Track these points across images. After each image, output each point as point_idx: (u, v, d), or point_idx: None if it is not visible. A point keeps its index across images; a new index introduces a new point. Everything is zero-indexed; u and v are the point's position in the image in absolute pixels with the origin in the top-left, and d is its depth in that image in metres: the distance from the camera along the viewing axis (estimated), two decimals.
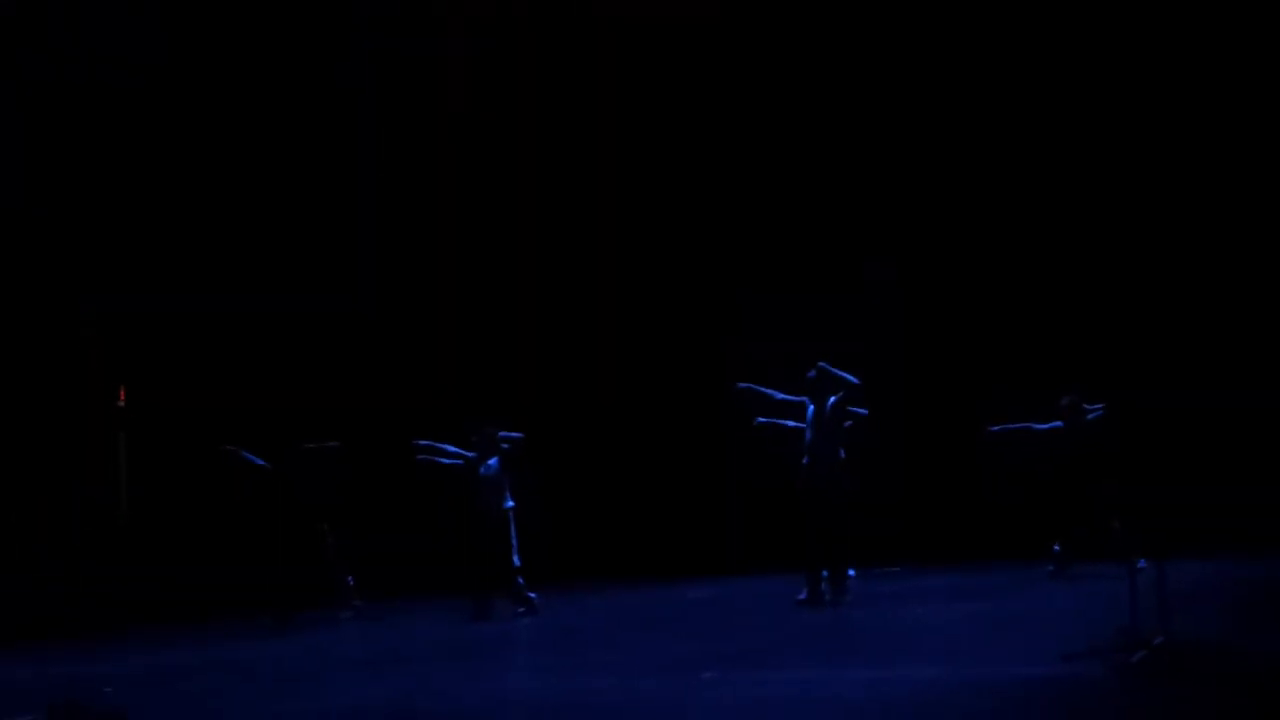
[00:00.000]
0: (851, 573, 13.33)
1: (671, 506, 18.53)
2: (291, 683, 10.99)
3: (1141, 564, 10.79)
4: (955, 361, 17.81)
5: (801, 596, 13.21)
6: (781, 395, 13.58)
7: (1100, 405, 14.35)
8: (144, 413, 18.60)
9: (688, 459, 18.64)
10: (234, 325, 18.94)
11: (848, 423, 13.30)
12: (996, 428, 14.59)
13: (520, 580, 14.09)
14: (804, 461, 13.25)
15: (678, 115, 18.86)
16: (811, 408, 13.24)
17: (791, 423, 13.51)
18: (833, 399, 13.18)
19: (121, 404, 18.73)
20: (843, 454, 13.20)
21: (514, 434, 14.42)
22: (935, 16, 17.95)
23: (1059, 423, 14.34)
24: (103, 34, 18.62)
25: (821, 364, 13.19)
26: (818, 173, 18.39)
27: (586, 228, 19.14)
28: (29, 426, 18.46)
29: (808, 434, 13.25)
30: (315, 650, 13.12)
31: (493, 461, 14.23)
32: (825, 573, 13.11)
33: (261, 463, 15.45)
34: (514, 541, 14.13)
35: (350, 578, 15.24)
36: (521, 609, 14.07)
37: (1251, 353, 16.60)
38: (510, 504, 14.18)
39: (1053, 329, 17.15)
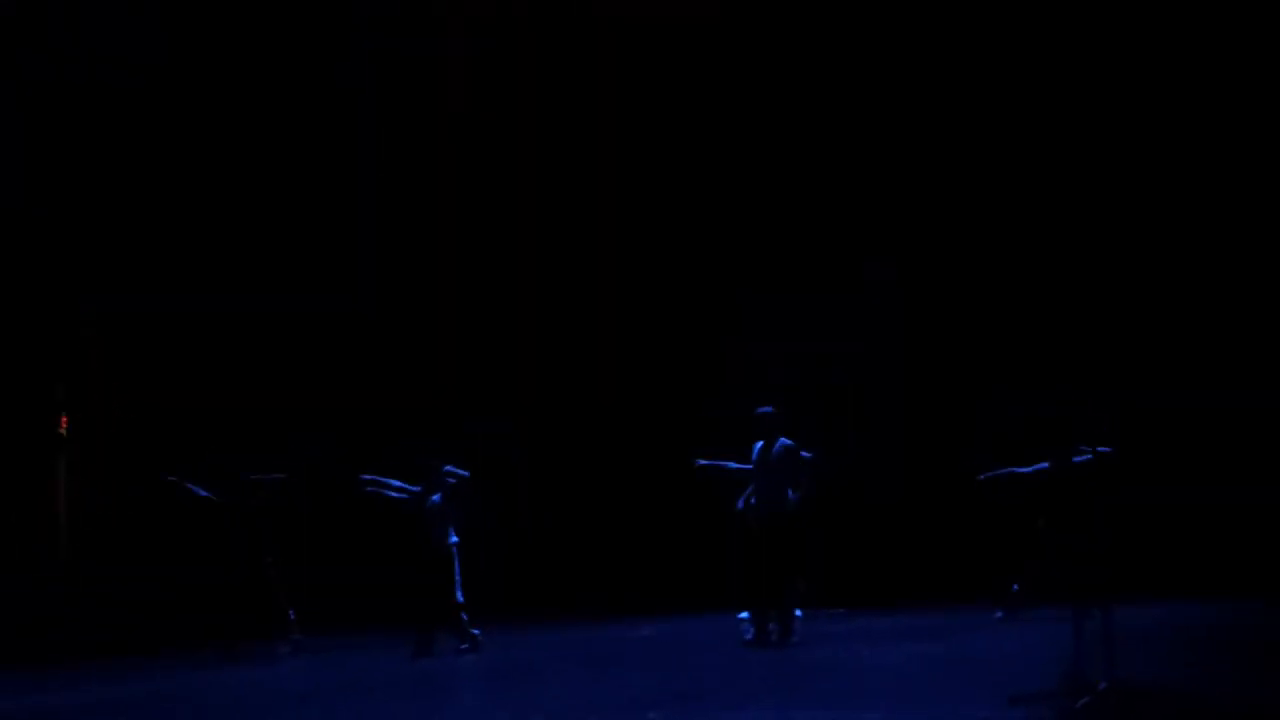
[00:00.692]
0: (799, 614, 13.26)
1: (622, 541, 18.47)
2: (236, 715, 10.81)
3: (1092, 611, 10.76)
4: (956, 361, 17.75)
5: (748, 636, 13.14)
6: (737, 465, 13.56)
7: (1090, 452, 14.23)
8: (138, 413, 18.46)
9: (640, 494, 18.59)
10: (231, 325, 18.83)
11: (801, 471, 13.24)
12: (985, 475, 14.49)
13: (464, 616, 13.93)
14: (751, 501, 13.19)
15: (677, 115, 18.87)
16: (759, 445, 13.18)
17: (733, 464, 13.48)
18: (783, 442, 13.12)
19: (63, 431, 18.55)
20: (792, 495, 13.13)
21: (460, 471, 14.29)
22: (934, 17, 17.98)
23: (1044, 464, 14.26)
24: (103, 34, 18.64)
25: (785, 442, 13.13)
26: (818, 173, 18.45)
27: (586, 228, 19.09)
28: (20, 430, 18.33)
29: (755, 473, 13.18)
30: (254, 684, 12.90)
31: (436, 496, 14.12)
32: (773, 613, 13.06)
33: (206, 494, 15.24)
34: (457, 577, 13.99)
35: (291, 611, 15.03)
36: (464, 645, 13.90)
37: (1253, 355, 16.72)
38: (454, 539, 14.05)
39: (1053, 328, 17.15)
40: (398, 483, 14.37)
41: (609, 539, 18.61)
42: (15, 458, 18.51)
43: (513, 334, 19.25)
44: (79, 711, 11.74)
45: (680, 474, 17.69)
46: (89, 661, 15.40)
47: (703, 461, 13.80)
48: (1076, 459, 14.16)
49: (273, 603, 15.01)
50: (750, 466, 13.35)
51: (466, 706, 10.59)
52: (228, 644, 14.70)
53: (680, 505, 17.91)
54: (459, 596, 13.94)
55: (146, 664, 15.01)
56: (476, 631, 13.96)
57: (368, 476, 14.47)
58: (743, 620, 13.50)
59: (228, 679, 13.29)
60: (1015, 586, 14.06)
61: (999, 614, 14.01)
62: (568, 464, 18.27)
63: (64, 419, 18.79)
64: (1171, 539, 16.00)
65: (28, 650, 16.08)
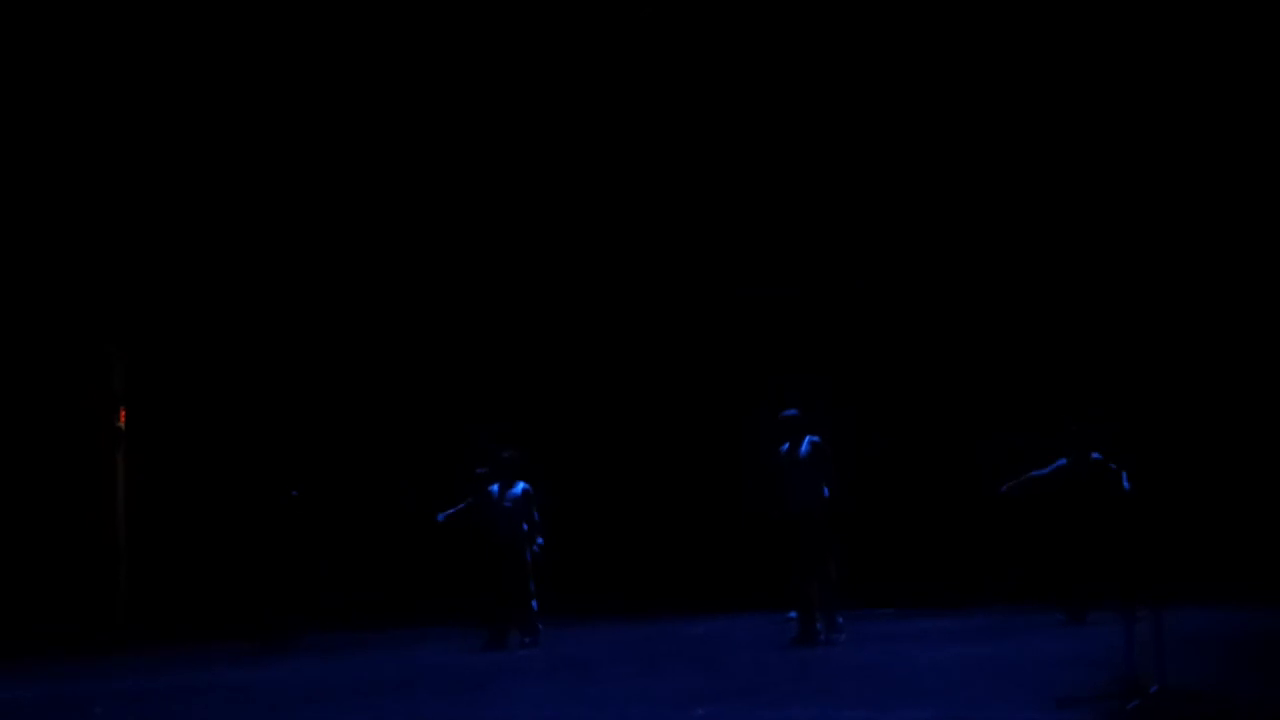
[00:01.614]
0: (840, 620, 13.28)
1: (678, 541, 18.53)
2: (287, 707, 10.94)
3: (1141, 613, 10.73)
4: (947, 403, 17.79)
5: (793, 635, 13.18)
6: (1039, 473, 14.02)
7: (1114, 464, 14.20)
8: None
9: (694, 495, 18.63)
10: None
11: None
12: (1005, 486, 14.46)
13: (534, 606, 14.11)
14: (790, 500, 13.24)
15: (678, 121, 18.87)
16: (785, 446, 13.23)
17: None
18: (810, 439, 13.16)
19: (121, 425, 18.79)
20: (826, 492, 13.17)
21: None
22: (931, 20, 17.94)
23: (1062, 460, 14.23)
24: None
25: (812, 439, 13.19)
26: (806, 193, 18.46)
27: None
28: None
29: (786, 473, 13.23)
30: (314, 676, 13.06)
31: (515, 490, 14.20)
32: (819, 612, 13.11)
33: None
34: (529, 569, 14.14)
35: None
36: (528, 639, 14.06)
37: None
38: (525, 528, 14.18)
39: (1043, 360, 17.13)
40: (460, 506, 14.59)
41: (652, 538, 18.67)
42: (74, 451, 18.76)
43: (532, 336, 19.30)
44: (189, 692, 11.95)
45: (725, 474, 17.96)
46: (134, 653, 15.63)
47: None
48: (1094, 455, 14.19)
49: (320, 597, 15.25)
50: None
51: (517, 699, 10.66)
52: (272, 637, 14.92)
53: (727, 506, 17.97)
54: (531, 587, 14.12)
55: (192, 654, 15.22)
56: (540, 626, 14.15)
57: (442, 516, 14.62)
58: (790, 619, 13.54)
59: (288, 671, 13.45)
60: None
61: (1061, 616, 13.99)
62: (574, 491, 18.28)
63: (123, 412, 19.02)
64: (1224, 543, 15.91)
65: (78, 641, 16.40)
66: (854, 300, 18.13)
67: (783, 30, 17.96)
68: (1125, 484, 13.95)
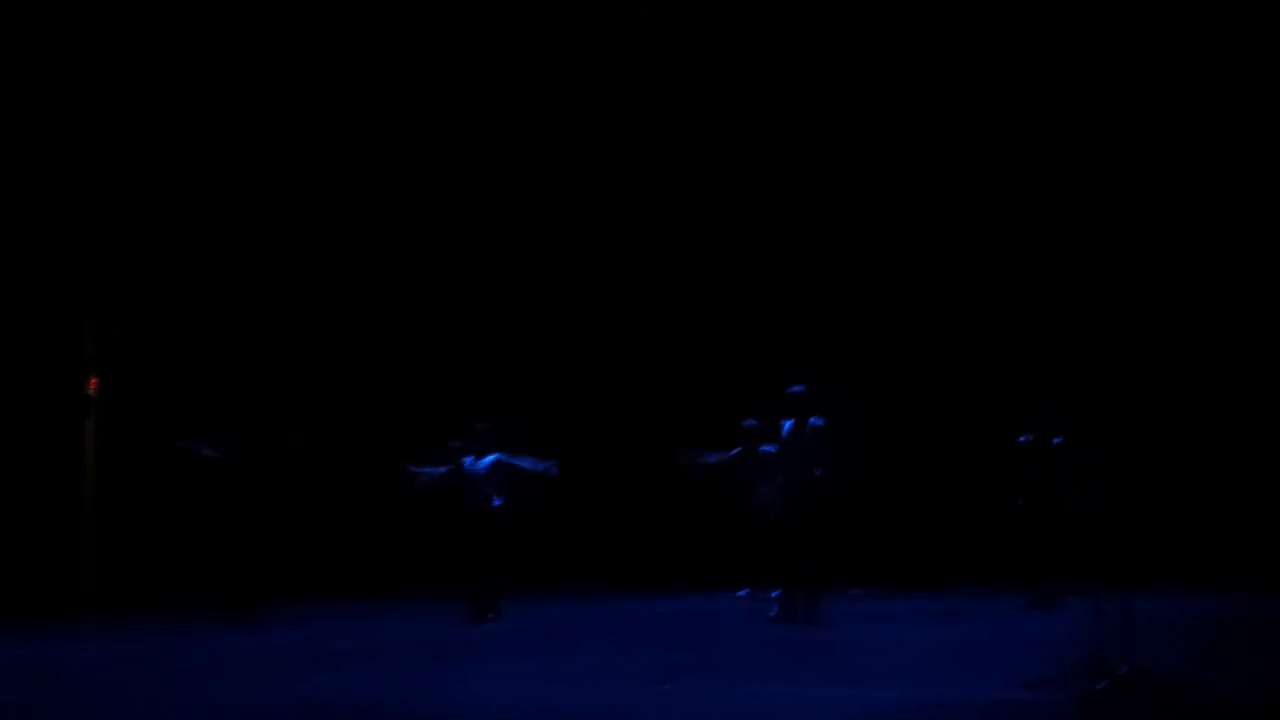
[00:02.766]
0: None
1: (652, 519, 18.55)
2: (254, 674, 10.94)
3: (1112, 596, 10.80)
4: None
5: (772, 614, 13.22)
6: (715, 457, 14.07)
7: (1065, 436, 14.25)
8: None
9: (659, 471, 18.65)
10: None
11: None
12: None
13: (499, 581, 14.12)
14: (778, 480, 13.25)
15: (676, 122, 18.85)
16: (789, 424, 13.22)
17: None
18: (814, 421, 13.16)
19: (92, 393, 18.71)
20: (818, 472, 13.20)
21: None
22: (930, 20, 17.95)
23: (1025, 437, 14.31)
24: None
25: (816, 421, 13.19)
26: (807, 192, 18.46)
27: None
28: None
29: (785, 452, 13.23)
30: (283, 643, 13.04)
31: (486, 460, 14.18)
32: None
33: (212, 454, 15.40)
34: (502, 541, 14.15)
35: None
36: (491, 614, 14.06)
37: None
38: (498, 503, 14.16)
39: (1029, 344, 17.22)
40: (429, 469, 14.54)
41: (632, 516, 18.67)
42: (43, 419, 18.65)
43: (520, 330, 19.27)
44: (80, 664, 11.92)
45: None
46: (103, 620, 15.61)
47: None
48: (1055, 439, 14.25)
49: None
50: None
51: (489, 674, 10.67)
52: (242, 604, 14.92)
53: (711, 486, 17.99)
54: (498, 560, 14.12)
55: (152, 620, 15.20)
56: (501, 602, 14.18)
57: (416, 470, 14.56)
58: (770, 598, 13.57)
59: (257, 638, 13.44)
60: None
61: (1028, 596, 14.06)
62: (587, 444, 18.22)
63: (94, 380, 18.92)
64: (1193, 530, 16.02)
65: (46, 607, 16.36)
66: (854, 300, 18.15)
67: (782, 30, 17.95)
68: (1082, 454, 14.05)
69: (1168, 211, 17.11)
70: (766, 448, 13.96)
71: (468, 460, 14.30)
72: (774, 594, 13.62)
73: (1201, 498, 16.41)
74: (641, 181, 18.94)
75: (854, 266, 18.27)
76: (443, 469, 14.49)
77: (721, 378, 18.19)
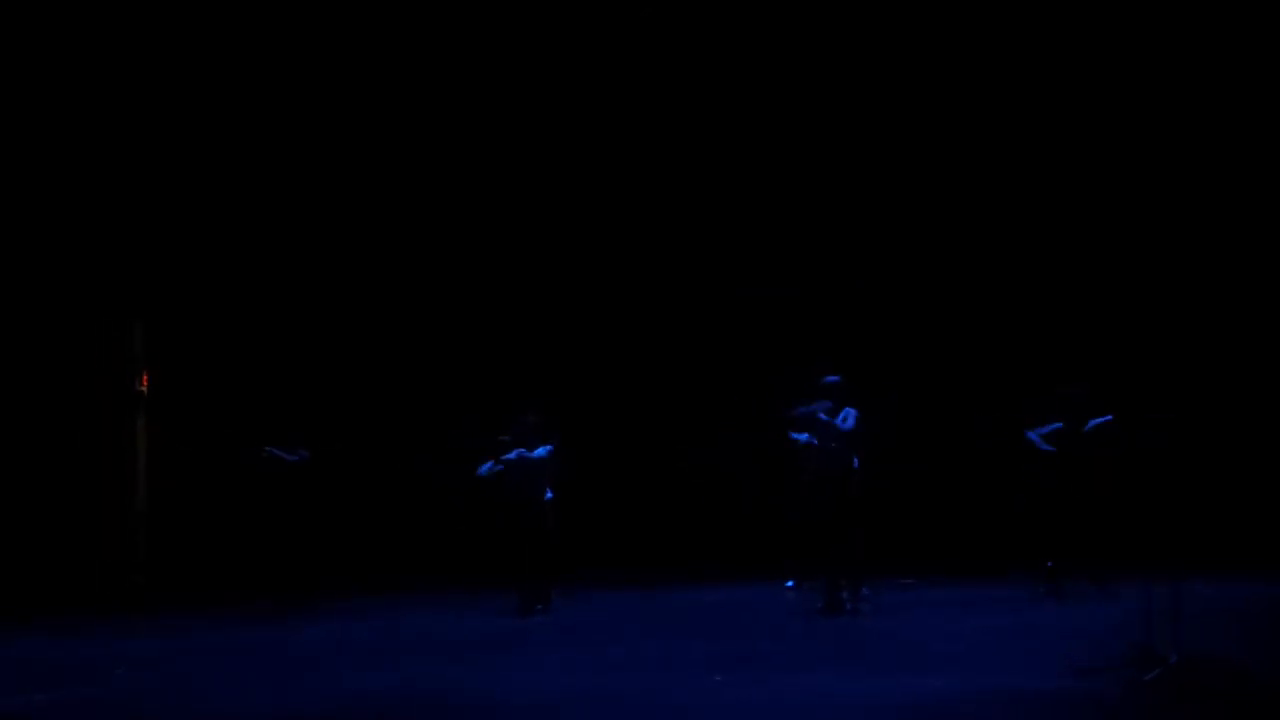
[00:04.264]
0: (866, 591, 13.31)
1: (694, 508, 18.59)
2: (304, 666, 11.03)
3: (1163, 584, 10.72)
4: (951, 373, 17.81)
5: (819, 605, 13.22)
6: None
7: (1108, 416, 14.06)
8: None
9: (712, 461, 18.67)
10: None
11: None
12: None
13: (551, 573, 14.21)
14: (820, 470, 13.24)
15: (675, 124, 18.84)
16: (826, 416, 13.22)
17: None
18: (849, 410, 13.15)
19: (143, 389, 18.87)
20: (857, 463, 13.19)
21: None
22: (930, 20, 17.86)
23: (1058, 424, 14.16)
24: None
25: (851, 411, 13.18)
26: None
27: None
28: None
29: (824, 443, 13.21)
30: (332, 637, 13.15)
31: (541, 451, 14.26)
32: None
33: (294, 458, 15.71)
34: (553, 533, 14.24)
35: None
36: (540, 605, 14.14)
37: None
38: (550, 495, 14.26)
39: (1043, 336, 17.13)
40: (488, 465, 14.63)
41: (676, 505, 18.71)
42: (93, 417, 18.84)
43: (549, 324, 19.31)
44: (211, 652, 12.11)
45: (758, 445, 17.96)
46: (154, 616, 15.77)
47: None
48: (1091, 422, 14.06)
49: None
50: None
51: (538, 666, 10.73)
52: (297, 599, 15.08)
53: (760, 475, 17.99)
54: (549, 552, 14.20)
55: (216, 615, 15.34)
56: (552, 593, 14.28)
57: (484, 470, 14.63)
58: (814, 588, 13.56)
59: (308, 632, 13.56)
60: (1049, 564, 13.97)
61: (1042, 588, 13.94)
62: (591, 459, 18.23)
63: (145, 376, 19.10)
64: (1245, 516, 15.91)
65: (99, 605, 16.56)
66: (854, 300, 18.11)
67: (783, 30, 17.88)
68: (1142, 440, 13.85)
69: (1168, 211, 16.99)
70: (798, 436, 13.92)
71: (514, 453, 14.35)
72: (789, 585, 13.62)
73: (1253, 483, 16.28)
74: (642, 182, 18.90)
75: (854, 266, 18.20)
76: (494, 464, 14.55)
77: (721, 378, 18.25)
